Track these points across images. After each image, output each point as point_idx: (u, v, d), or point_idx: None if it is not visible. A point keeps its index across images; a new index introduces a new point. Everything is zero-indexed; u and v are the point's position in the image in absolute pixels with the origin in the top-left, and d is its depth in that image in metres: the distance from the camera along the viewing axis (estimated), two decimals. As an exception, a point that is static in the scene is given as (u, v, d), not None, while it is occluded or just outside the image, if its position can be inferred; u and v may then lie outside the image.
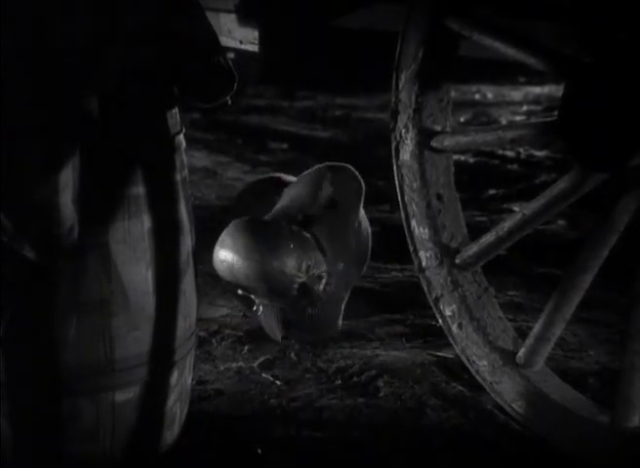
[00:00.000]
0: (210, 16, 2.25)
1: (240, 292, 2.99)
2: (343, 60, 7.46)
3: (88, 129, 1.99)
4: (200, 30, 2.16)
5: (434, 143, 2.55)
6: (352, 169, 3.07)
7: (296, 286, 2.85)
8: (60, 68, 1.95)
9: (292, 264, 2.82)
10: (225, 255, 2.86)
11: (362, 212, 3.11)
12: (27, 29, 1.93)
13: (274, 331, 3.01)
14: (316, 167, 3.11)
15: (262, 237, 2.85)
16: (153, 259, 2.13)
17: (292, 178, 3.22)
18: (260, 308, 3.00)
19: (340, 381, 2.79)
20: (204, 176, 5.22)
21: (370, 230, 3.16)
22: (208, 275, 3.38)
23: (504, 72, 7.69)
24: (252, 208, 3.09)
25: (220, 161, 5.64)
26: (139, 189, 2.08)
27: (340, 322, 3.07)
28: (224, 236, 2.91)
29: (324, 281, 2.91)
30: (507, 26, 2.41)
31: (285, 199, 3.07)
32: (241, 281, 2.86)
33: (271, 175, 3.54)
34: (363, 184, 3.05)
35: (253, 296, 2.99)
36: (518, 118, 6.96)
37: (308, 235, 2.92)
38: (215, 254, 2.93)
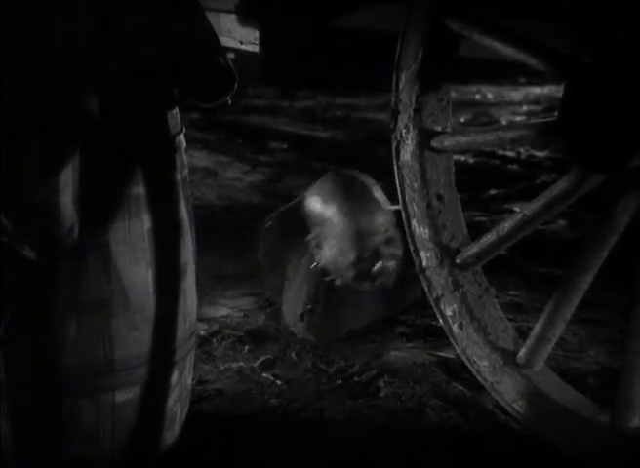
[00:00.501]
0: (210, 16, 2.25)
1: (312, 235, 2.98)
2: (343, 60, 7.46)
3: (88, 129, 1.99)
4: (200, 30, 2.16)
5: (435, 144, 2.55)
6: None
7: (372, 245, 2.85)
8: (59, 68, 1.95)
9: (379, 221, 2.83)
10: (315, 199, 2.98)
11: None
12: (27, 29, 1.93)
13: (294, 305, 3.00)
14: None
15: (357, 190, 2.96)
16: (153, 259, 2.13)
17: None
18: (310, 265, 3.00)
19: (340, 381, 2.79)
20: (204, 176, 5.22)
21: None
22: (208, 275, 3.40)
23: (504, 72, 7.69)
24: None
25: (221, 161, 5.64)
26: (139, 189, 2.08)
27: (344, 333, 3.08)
28: (321, 183, 3.02)
29: (392, 263, 2.90)
30: (507, 26, 2.41)
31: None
32: (327, 215, 2.88)
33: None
34: None
35: (319, 245, 2.99)
36: (518, 118, 6.96)
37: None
38: (307, 193, 3.01)
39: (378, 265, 2.90)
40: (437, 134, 2.56)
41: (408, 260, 2.87)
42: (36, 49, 1.93)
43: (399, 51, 2.53)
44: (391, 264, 2.91)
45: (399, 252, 2.93)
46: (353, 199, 2.96)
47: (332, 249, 2.95)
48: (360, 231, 2.91)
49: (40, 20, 1.93)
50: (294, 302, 3.04)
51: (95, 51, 1.98)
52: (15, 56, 1.92)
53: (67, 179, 1.97)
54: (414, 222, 2.63)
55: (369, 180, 3.07)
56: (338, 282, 2.97)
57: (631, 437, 2.27)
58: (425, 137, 2.56)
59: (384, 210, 2.96)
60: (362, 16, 2.86)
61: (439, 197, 2.60)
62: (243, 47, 2.97)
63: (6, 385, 2.10)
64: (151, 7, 2.06)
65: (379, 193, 3.01)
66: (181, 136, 2.23)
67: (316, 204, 3.00)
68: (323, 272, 2.98)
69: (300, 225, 3.06)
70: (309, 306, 2.99)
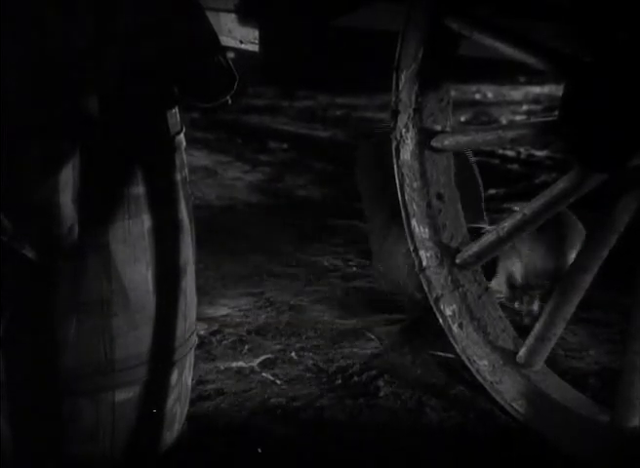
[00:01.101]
0: (210, 15, 2.25)
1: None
2: (343, 60, 7.47)
3: (88, 129, 1.99)
4: (200, 30, 2.16)
5: (434, 143, 2.55)
6: None
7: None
8: (60, 68, 1.95)
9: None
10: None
11: None
12: (27, 29, 1.93)
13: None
14: None
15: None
16: (153, 259, 2.14)
17: None
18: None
19: (340, 381, 2.79)
20: (204, 176, 5.23)
21: None
22: (208, 275, 3.40)
23: (504, 72, 7.70)
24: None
25: (221, 160, 5.65)
26: (139, 189, 2.08)
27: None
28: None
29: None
30: (507, 26, 2.41)
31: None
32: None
33: None
34: None
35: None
36: (518, 118, 6.97)
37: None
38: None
39: (526, 301, 2.92)
40: (437, 133, 2.56)
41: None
42: (36, 49, 1.93)
43: (399, 50, 2.53)
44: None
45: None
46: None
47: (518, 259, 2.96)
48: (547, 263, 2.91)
49: (40, 21, 1.93)
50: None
51: (95, 51, 1.98)
52: (15, 56, 1.93)
53: (67, 179, 1.97)
54: (413, 222, 2.63)
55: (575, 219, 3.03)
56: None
57: (631, 437, 2.27)
58: (425, 137, 2.56)
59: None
60: (362, 15, 2.85)
61: (439, 196, 2.60)
62: (243, 46, 2.96)
63: (6, 385, 2.10)
64: (151, 7, 2.06)
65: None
66: (181, 136, 2.23)
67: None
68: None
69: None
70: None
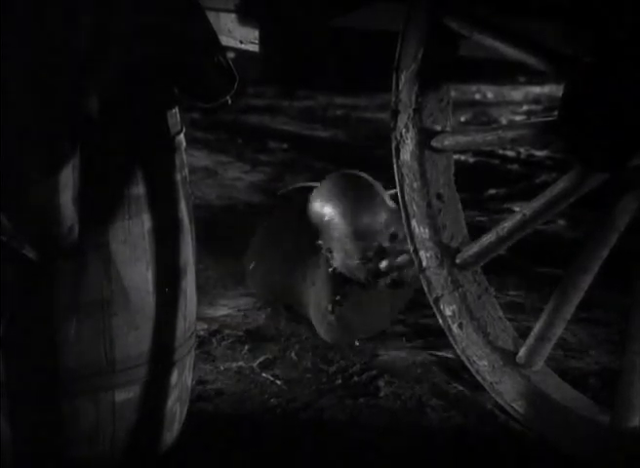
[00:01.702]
0: (210, 15, 2.25)
1: (320, 241, 2.99)
2: (343, 60, 7.46)
3: (88, 129, 1.99)
4: (200, 30, 2.16)
5: (434, 143, 2.55)
6: None
7: (375, 244, 2.87)
8: (60, 68, 1.94)
9: (380, 220, 2.86)
10: (319, 196, 2.97)
11: None
12: (27, 29, 1.93)
13: (322, 301, 3.00)
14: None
15: (361, 188, 2.96)
16: (153, 259, 2.13)
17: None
18: (327, 269, 3.00)
19: (340, 381, 2.79)
20: (204, 176, 5.23)
21: None
22: (208, 275, 3.40)
23: (504, 72, 7.70)
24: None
25: (221, 161, 5.64)
26: (139, 189, 2.08)
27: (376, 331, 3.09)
28: (325, 181, 3.02)
29: (402, 260, 2.89)
30: (507, 26, 2.41)
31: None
32: (326, 219, 2.89)
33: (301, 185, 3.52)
34: None
35: (329, 249, 2.99)
36: (518, 118, 6.97)
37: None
38: (310, 197, 3.02)
39: (385, 263, 2.90)
40: (437, 133, 2.56)
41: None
42: (36, 49, 1.93)
43: (399, 50, 2.53)
44: (400, 260, 2.91)
45: (406, 246, 2.93)
46: (355, 199, 2.95)
47: (340, 252, 2.95)
48: (362, 231, 2.91)
49: (40, 21, 1.93)
50: (317, 305, 3.03)
51: (95, 51, 1.98)
52: (15, 55, 1.92)
53: (67, 179, 1.96)
54: (413, 222, 2.62)
55: (371, 180, 3.06)
56: (354, 284, 2.97)
57: (631, 437, 2.27)
58: (425, 137, 2.56)
59: (387, 207, 2.96)
60: (362, 15, 2.85)
61: (439, 196, 2.60)
62: (243, 46, 2.96)
63: (6, 385, 2.10)
64: (151, 7, 2.06)
65: (381, 191, 3.01)
66: (181, 136, 2.23)
67: (319, 206, 2.99)
68: (340, 276, 2.98)
69: (306, 227, 3.05)
70: (331, 308, 2.98)
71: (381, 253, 2.90)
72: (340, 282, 2.98)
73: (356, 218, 2.91)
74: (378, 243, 2.91)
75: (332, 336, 3.01)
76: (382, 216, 2.92)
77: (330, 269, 2.99)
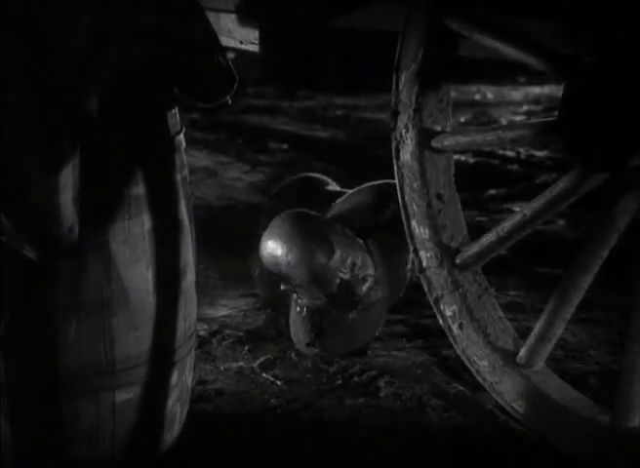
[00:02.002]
0: (210, 16, 2.25)
1: (283, 286, 2.96)
2: (343, 60, 7.46)
3: (88, 129, 1.99)
4: (200, 30, 2.16)
5: (434, 143, 2.55)
6: None
7: (337, 280, 2.83)
8: (60, 68, 1.94)
9: (336, 257, 2.81)
10: (271, 243, 2.86)
11: None
12: (27, 30, 1.93)
13: (300, 336, 2.99)
14: (381, 182, 3.07)
15: (310, 228, 2.87)
16: (153, 259, 2.13)
17: (325, 179, 3.19)
18: (297, 308, 2.99)
19: (340, 381, 2.79)
20: (204, 176, 5.22)
21: None
22: (208, 275, 3.40)
23: (505, 72, 7.70)
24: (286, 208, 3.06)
25: (221, 161, 5.64)
26: (139, 189, 2.08)
27: (369, 343, 3.05)
28: (272, 225, 2.91)
29: (368, 284, 2.88)
30: (507, 26, 2.41)
31: (344, 206, 3.04)
32: (284, 270, 2.83)
33: (303, 175, 3.50)
34: None
35: (295, 292, 2.97)
36: (518, 118, 6.97)
37: (360, 240, 2.92)
38: (261, 243, 2.93)
39: (352, 295, 2.88)
40: (437, 133, 2.56)
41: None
42: (36, 49, 1.93)
43: (399, 50, 2.53)
44: (365, 288, 2.89)
45: (368, 271, 2.90)
46: (305, 243, 2.86)
47: (306, 294, 2.93)
48: (321, 274, 2.85)
49: (39, 21, 1.93)
50: (298, 339, 3.02)
51: (94, 51, 1.98)
52: (14, 56, 1.92)
53: (67, 179, 1.96)
54: (413, 222, 2.63)
55: (312, 213, 2.98)
56: (328, 317, 2.95)
57: (631, 437, 2.27)
58: (425, 137, 2.56)
59: (340, 239, 2.88)
60: (362, 15, 2.85)
61: (439, 197, 2.60)
62: (243, 47, 2.96)
63: (6, 385, 2.10)
64: (151, 7, 2.06)
65: (337, 226, 2.94)
66: (181, 136, 2.23)
67: (272, 256, 2.90)
68: (313, 313, 2.97)
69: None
70: (312, 344, 2.97)
71: (346, 287, 2.87)
72: (313, 319, 2.97)
73: (312, 263, 2.84)
74: (339, 279, 2.87)
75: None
76: (337, 252, 2.85)
77: (298, 310, 2.97)
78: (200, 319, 2.73)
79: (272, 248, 2.85)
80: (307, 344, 2.96)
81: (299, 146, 6.02)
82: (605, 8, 2.26)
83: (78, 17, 1.95)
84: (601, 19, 2.27)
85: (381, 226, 2.96)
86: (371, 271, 2.90)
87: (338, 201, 3.08)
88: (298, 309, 2.98)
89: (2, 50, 1.90)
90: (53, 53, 1.93)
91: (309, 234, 2.84)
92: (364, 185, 3.11)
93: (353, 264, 2.85)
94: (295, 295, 2.98)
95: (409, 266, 3.01)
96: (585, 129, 2.15)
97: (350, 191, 3.13)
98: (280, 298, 3.22)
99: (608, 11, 2.25)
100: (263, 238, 2.90)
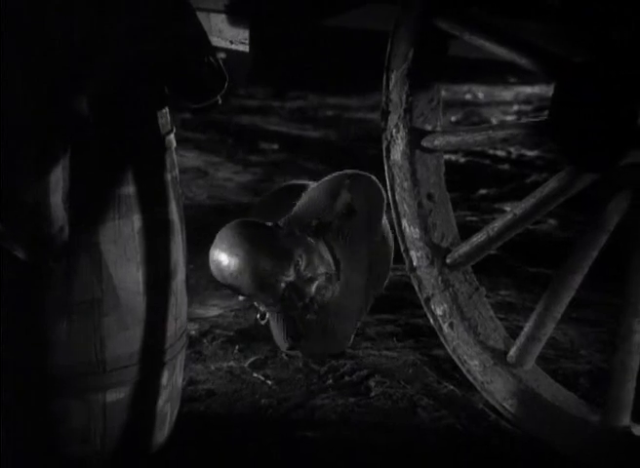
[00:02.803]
0: (200, 16, 2.25)
1: (240, 297, 2.94)
2: (334, 61, 7.46)
3: (78, 129, 1.99)
4: (190, 31, 2.16)
5: (425, 143, 2.55)
6: (373, 178, 2.96)
7: (282, 284, 2.80)
8: (50, 70, 1.94)
9: (274, 262, 2.76)
10: (215, 254, 2.82)
11: (387, 225, 3.06)
12: (20, 32, 1.93)
13: (280, 341, 2.98)
14: (336, 173, 3.04)
15: (248, 235, 2.79)
16: (144, 259, 2.13)
17: (311, 184, 3.17)
18: (271, 316, 2.96)
19: (331, 381, 2.79)
20: (195, 176, 5.22)
21: (392, 245, 3.07)
22: (199, 275, 3.39)
23: (495, 72, 7.71)
24: (267, 216, 3.04)
25: (212, 161, 5.64)
26: (129, 189, 2.08)
27: (352, 337, 3.02)
28: (217, 236, 2.88)
29: (317, 283, 2.84)
30: (498, 26, 2.41)
31: (301, 204, 3.01)
32: (229, 280, 2.82)
33: (290, 182, 3.48)
34: (384, 194, 2.90)
35: (254, 302, 2.95)
36: (509, 118, 6.98)
37: (311, 239, 2.88)
38: (209, 256, 2.90)
39: (303, 297, 2.85)
40: (428, 133, 2.56)
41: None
42: (28, 51, 1.93)
43: (389, 50, 2.53)
44: (315, 287, 2.86)
45: (319, 269, 2.87)
46: (249, 249, 2.83)
47: (264, 302, 2.91)
48: (265, 280, 2.83)
49: (31, 23, 1.93)
50: (279, 343, 3.01)
51: (86, 52, 1.97)
52: (8, 57, 1.92)
53: (58, 180, 1.96)
54: (404, 222, 2.63)
55: (259, 221, 2.94)
56: (298, 322, 2.94)
57: (621, 436, 2.28)
58: (416, 137, 2.56)
59: (282, 238, 2.86)
60: (352, 15, 2.85)
61: (430, 196, 2.60)
62: (233, 47, 2.96)
63: (-4, 386, 2.10)
64: (142, 8, 2.06)
65: (276, 231, 2.89)
66: (172, 136, 2.22)
67: (221, 269, 2.90)
68: (284, 320, 2.95)
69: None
70: (291, 348, 2.96)
71: (294, 290, 2.84)
72: (287, 325, 2.95)
73: (255, 271, 2.80)
74: (284, 282, 2.83)
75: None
76: (277, 253, 2.82)
77: (272, 317, 2.96)
78: (191, 319, 2.73)
79: (217, 260, 2.79)
80: (288, 349, 2.96)
81: (290, 147, 6.03)
82: (596, 8, 2.27)
83: (71, 17, 1.95)
84: (592, 19, 2.27)
85: (339, 218, 2.92)
86: (322, 269, 2.84)
87: (297, 201, 3.05)
88: (271, 316, 2.95)
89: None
90: (44, 54, 1.93)
91: (249, 242, 2.76)
92: (320, 180, 3.08)
93: (296, 266, 2.80)
94: (257, 306, 2.95)
95: (378, 255, 2.99)
96: (575, 129, 2.16)
97: (309, 188, 3.10)
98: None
99: (599, 11, 2.25)
100: (210, 250, 2.84)
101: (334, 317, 2.94)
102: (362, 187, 2.93)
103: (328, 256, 2.88)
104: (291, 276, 2.74)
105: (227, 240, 2.79)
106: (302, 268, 2.77)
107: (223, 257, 2.75)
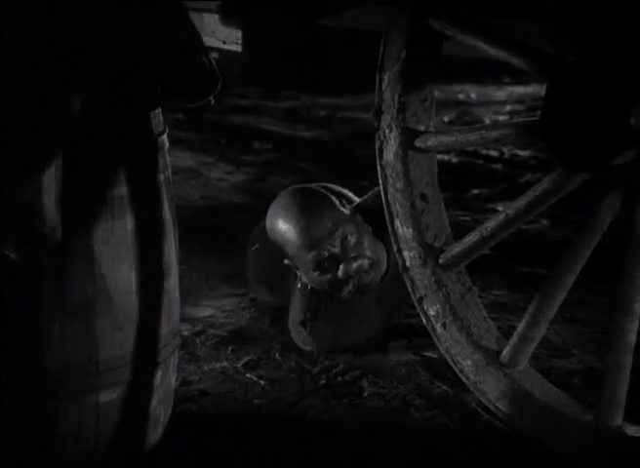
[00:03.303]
0: (193, 16, 2.25)
1: (286, 261, 3.00)
2: (327, 61, 7.46)
3: (71, 129, 1.98)
4: (184, 31, 2.16)
5: (418, 143, 2.55)
6: None
7: (325, 253, 2.86)
8: (44, 69, 1.94)
9: (324, 228, 2.85)
10: (272, 208, 2.98)
11: None
12: (11, 31, 1.92)
13: (295, 313, 3.01)
14: None
15: (308, 197, 2.95)
16: (137, 260, 2.13)
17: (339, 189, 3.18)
18: (298, 285, 3.02)
19: (324, 381, 2.79)
20: (188, 177, 5.22)
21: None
22: (192, 275, 3.39)
23: (488, 72, 7.72)
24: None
25: (205, 161, 5.64)
26: (122, 190, 2.08)
27: (358, 339, 3.06)
28: (281, 193, 3.02)
29: (359, 264, 2.88)
30: (491, 26, 2.41)
31: (371, 197, 3.03)
32: (277, 234, 2.92)
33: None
34: None
35: (296, 269, 3.00)
36: (502, 118, 6.98)
37: (369, 227, 2.96)
38: (267, 218, 3.02)
39: (341, 270, 2.88)
40: (420, 133, 2.56)
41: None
42: (20, 50, 1.92)
43: (382, 51, 2.53)
44: (357, 266, 2.89)
45: (366, 251, 2.91)
46: (300, 212, 2.91)
47: (302, 267, 2.95)
48: (310, 242, 2.88)
49: (23, 22, 1.93)
50: (293, 321, 3.04)
51: (78, 51, 1.97)
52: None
53: (50, 180, 1.96)
54: (397, 222, 2.63)
55: (324, 191, 3.00)
56: (325, 297, 2.97)
57: (614, 435, 2.28)
58: (409, 137, 2.56)
59: (335, 213, 2.91)
60: (346, 15, 2.85)
61: (422, 197, 2.60)
62: (226, 47, 2.96)
63: (-11, 386, 2.10)
64: (134, 7, 2.06)
65: (333, 200, 2.96)
66: (164, 137, 2.22)
67: (272, 225, 2.98)
68: (311, 291, 3.00)
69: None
70: (303, 324, 2.98)
71: (335, 261, 2.88)
72: (310, 297, 3.00)
73: (303, 230, 2.88)
74: (328, 251, 2.88)
75: (311, 348, 3.00)
76: (328, 223, 2.87)
77: (299, 286, 3.00)
78: (184, 319, 2.73)
79: (272, 212, 2.96)
80: (300, 323, 2.99)
81: (283, 146, 6.03)
82: (588, 8, 2.27)
83: (62, 17, 1.95)
84: (584, 19, 2.27)
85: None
86: (369, 253, 2.92)
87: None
88: (299, 286, 3.02)
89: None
90: (37, 54, 1.93)
91: (307, 203, 2.91)
92: None
93: (344, 239, 2.87)
94: (297, 273, 3.01)
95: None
96: (568, 129, 2.16)
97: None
98: (274, 298, 3.24)
99: (591, 11, 2.25)
100: (269, 211, 3.00)
101: (358, 308, 2.96)
102: None
103: (380, 246, 2.97)
104: (337, 248, 2.85)
105: (287, 197, 2.96)
106: (350, 245, 2.87)
107: (279, 212, 2.91)
